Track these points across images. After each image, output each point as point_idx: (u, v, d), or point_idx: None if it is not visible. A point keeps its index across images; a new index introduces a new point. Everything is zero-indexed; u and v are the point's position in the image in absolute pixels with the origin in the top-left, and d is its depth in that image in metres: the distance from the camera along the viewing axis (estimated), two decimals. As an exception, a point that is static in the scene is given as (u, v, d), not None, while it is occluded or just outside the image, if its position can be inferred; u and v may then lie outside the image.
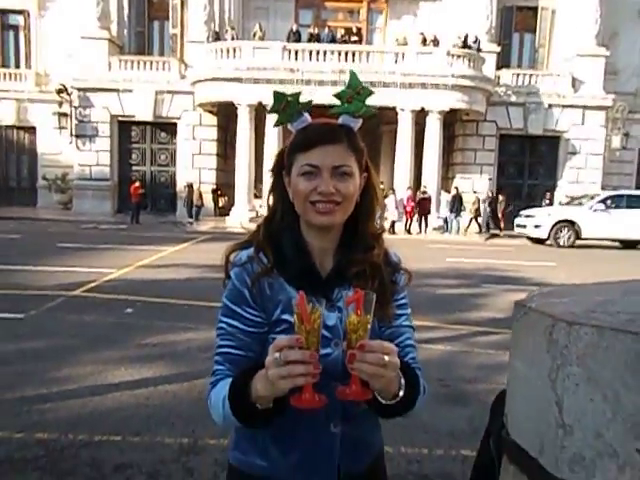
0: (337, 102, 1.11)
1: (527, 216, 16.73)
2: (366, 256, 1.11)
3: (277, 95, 1.10)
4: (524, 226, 16.54)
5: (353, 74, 1.09)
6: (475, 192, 19.44)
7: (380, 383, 0.92)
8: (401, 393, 0.99)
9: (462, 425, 3.35)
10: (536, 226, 16.00)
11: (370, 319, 0.92)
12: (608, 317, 0.89)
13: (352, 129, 1.10)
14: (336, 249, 1.13)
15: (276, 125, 1.15)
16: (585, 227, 15.54)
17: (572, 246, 15.45)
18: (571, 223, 15.64)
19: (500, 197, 19.59)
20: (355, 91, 1.09)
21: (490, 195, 19.48)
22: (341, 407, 1.07)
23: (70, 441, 2.99)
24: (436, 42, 19.60)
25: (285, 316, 1.06)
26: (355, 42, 20.17)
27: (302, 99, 1.11)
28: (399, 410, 1.02)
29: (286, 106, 1.10)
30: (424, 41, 19.53)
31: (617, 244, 16.39)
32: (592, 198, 16.52)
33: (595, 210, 15.76)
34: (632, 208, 15.77)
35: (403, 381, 1.00)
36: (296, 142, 1.09)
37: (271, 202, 1.17)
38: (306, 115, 1.11)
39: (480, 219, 18.72)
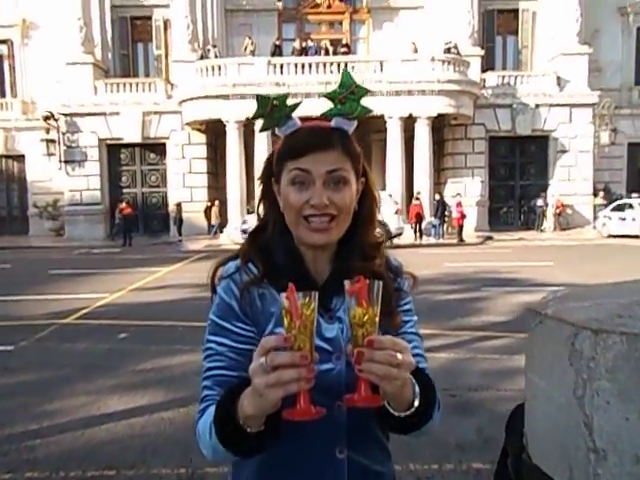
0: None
1: (244, 222, 16.34)
2: (367, 265, 1.01)
3: (261, 99, 0.99)
4: (244, 232, 16.05)
5: (346, 72, 0.99)
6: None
7: (392, 386, 0.79)
8: (416, 403, 0.87)
9: (471, 436, 3.23)
10: (243, 232, 15.30)
11: (377, 311, 0.80)
12: (638, 322, 0.78)
13: (346, 132, 1.00)
14: (333, 258, 1.03)
15: (262, 130, 1.05)
16: None
17: None
18: None
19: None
20: (349, 91, 0.98)
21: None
22: (346, 429, 0.96)
23: (61, 479, 2.84)
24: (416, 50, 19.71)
25: (279, 329, 0.95)
26: (345, 53, 20.22)
27: (289, 102, 1.00)
28: (415, 423, 0.90)
29: (272, 110, 0.99)
30: (415, 51, 19.61)
31: None
32: None
33: None
34: None
35: (417, 389, 0.88)
36: (285, 149, 0.99)
37: (261, 211, 1.08)
38: (295, 118, 1.01)
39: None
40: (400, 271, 1.09)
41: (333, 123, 0.99)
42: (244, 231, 15.99)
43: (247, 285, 0.98)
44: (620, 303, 0.84)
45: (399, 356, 0.77)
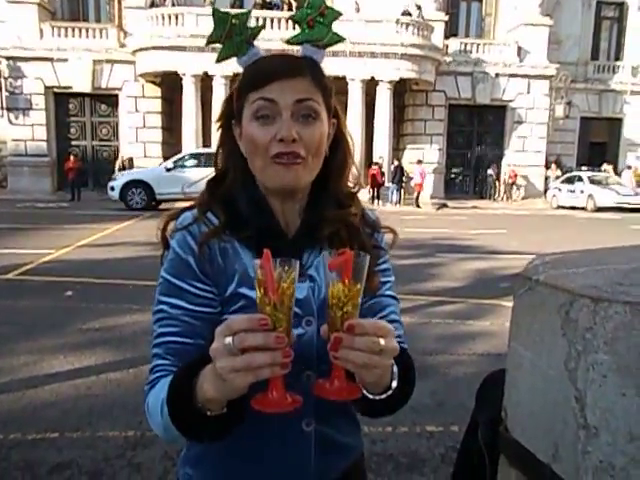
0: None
1: (111, 179, 16.40)
2: (341, 213, 0.91)
3: (219, 15, 0.85)
4: (112, 188, 15.92)
5: None
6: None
7: (371, 375, 0.69)
8: (394, 384, 0.77)
9: (425, 399, 3.25)
10: (112, 188, 15.73)
11: (361, 290, 0.69)
12: (642, 290, 0.71)
13: (316, 62, 0.88)
14: (304, 209, 0.91)
15: (220, 60, 0.90)
16: (158, 187, 15.20)
17: (147, 208, 14.81)
18: (144, 183, 15.39)
19: None
20: (318, 11, 0.85)
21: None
22: (314, 401, 0.87)
23: (-1, 442, 2.69)
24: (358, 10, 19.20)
25: (242, 290, 0.84)
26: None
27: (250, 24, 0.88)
28: (389, 406, 0.81)
29: (231, 32, 0.85)
30: (357, 10, 19.14)
31: None
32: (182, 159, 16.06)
33: (168, 169, 15.43)
34: (197, 167, 15.17)
35: (396, 368, 0.78)
36: (246, 78, 0.86)
37: (220, 160, 0.94)
38: (257, 47, 0.88)
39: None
40: (377, 225, 0.99)
41: (301, 51, 0.88)
42: (112, 188, 15.62)
43: (207, 237, 0.85)
44: (619, 270, 0.78)
45: (382, 342, 0.66)
